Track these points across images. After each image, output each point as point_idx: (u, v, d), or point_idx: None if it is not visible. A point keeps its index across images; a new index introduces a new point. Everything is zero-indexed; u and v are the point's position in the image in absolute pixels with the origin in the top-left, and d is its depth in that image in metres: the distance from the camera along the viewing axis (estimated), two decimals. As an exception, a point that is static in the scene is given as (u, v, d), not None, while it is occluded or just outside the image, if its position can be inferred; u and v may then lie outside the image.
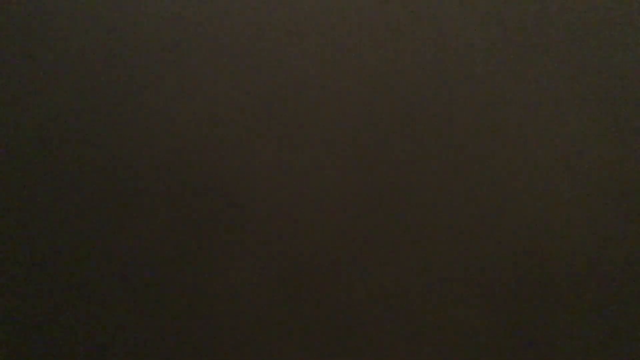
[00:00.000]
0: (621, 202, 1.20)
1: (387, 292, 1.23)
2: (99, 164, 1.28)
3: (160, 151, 1.27)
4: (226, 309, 1.26)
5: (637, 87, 1.19)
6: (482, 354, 1.22)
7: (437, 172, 1.23)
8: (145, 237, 1.27)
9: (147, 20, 1.28)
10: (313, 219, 1.25)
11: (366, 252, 1.24)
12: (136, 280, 1.27)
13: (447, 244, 1.22)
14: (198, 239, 1.27)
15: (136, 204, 1.27)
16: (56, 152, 1.29)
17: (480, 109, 1.22)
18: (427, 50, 1.23)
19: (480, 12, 1.22)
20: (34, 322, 1.29)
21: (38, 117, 1.29)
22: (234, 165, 1.26)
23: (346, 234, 1.24)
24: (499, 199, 1.21)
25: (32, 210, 1.29)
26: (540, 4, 1.21)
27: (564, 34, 1.21)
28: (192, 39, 1.27)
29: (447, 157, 1.22)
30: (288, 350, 1.25)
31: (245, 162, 1.26)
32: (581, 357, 1.20)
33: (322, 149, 1.25)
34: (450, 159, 1.22)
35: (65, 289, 1.29)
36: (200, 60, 1.27)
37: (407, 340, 1.23)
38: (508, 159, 1.21)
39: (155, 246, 1.27)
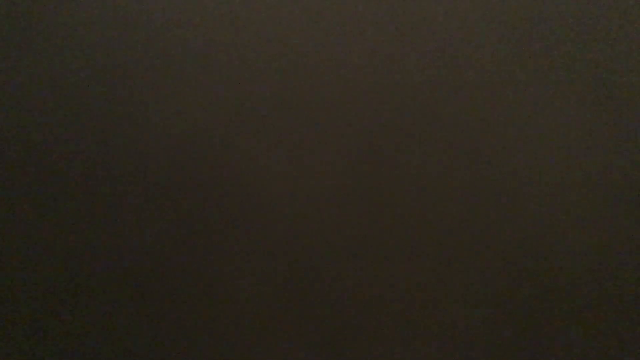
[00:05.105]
0: (621, 202, 1.20)
1: (387, 292, 1.23)
2: (102, 164, 1.28)
3: (162, 151, 1.27)
4: (228, 309, 1.26)
5: (637, 87, 1.20)
6: (481, 354, 1.22)
7: (438, 172, 1.23)
8: (147, 236, 1.27)
9: (151, 20, 1.28)
10: (315, 219, 1.25)
11: (367, 252, 1.24)
12: (138, 280, 1.28)
13: (447, 244, 1.22)
14: (200, 239, 1.27)
15: (138, 204, 1.27)
16: (59, 152, 1.29)
17: (480, 109, 1.22)
18: (427, 50, 1.23)
19: (480, 12, 1.22)
20: (33, 322, 1.29)
21: (40, 120, 1.29)
22: (237, 165, 1.26)
23: (348, 234, 1.24)
24: (498, 199, 1.21)
25: (35, 210, 1.29)
26: (540, 4, 1.21)
27: (564, 34, 1.21)
28: (197, 38, 1.27)
29: (447, 157, 1.22)
30: (288, 350, 1.25)
31: (248, 161, 1.26)
32: (581, 357, 1.20)
33: (324, 150, 1.25)
34: (450, 159, 1.22)
35: (67, 288, 1.29)
36: (201, 60, 1.27)
37: (408, 340, 1.23)
38: (507, 159, 1.21)
39: (157, 246, 1.27)
